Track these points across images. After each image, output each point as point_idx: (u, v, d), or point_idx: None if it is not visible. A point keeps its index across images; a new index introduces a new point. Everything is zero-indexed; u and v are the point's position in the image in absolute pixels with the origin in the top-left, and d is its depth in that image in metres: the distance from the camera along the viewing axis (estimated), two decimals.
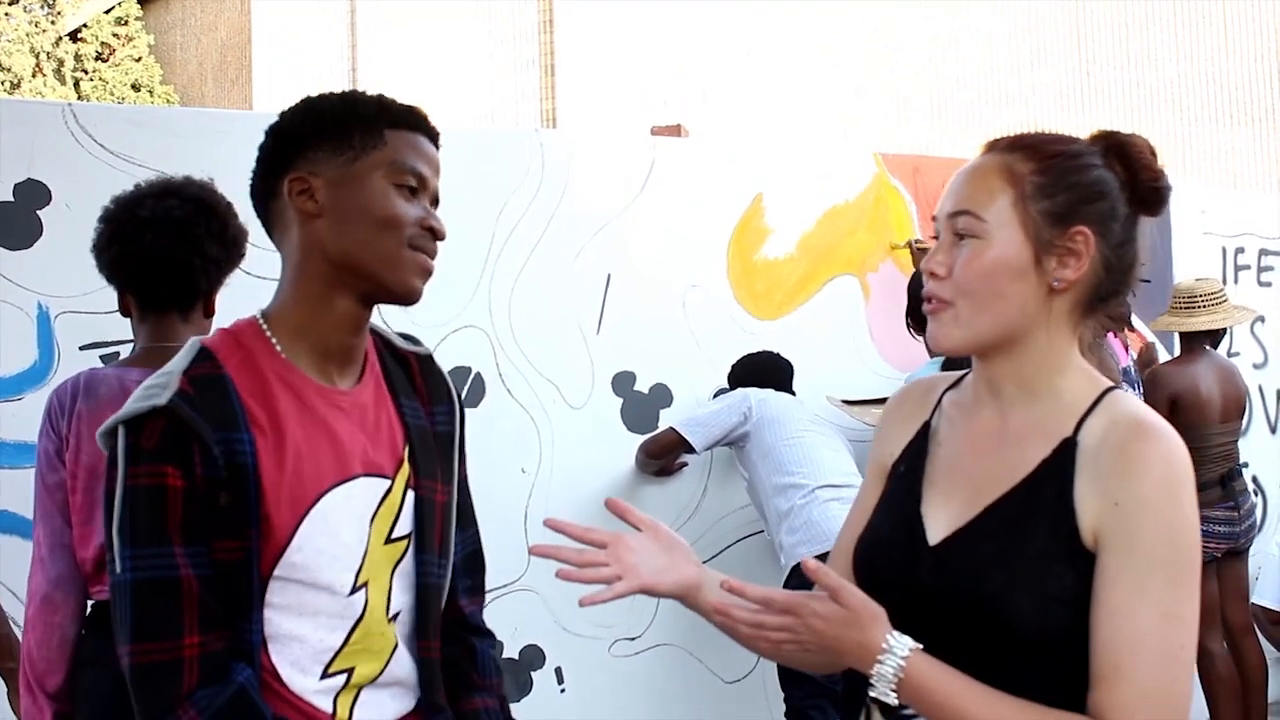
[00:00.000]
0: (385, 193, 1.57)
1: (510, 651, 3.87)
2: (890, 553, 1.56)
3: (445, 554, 1.73)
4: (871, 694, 1.45)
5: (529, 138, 4.09)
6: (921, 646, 1.42)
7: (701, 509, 4.20)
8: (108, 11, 20.65)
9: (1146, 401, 4.51)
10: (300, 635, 1.55)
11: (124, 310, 2.50)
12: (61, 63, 20.14)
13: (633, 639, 4.07)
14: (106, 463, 1.50)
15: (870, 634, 1.40)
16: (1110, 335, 4.14)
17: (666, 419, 4.12)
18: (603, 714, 3.99)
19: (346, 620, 1.58)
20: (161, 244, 2.32)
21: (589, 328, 4.07)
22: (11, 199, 3.29)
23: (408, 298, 1.60)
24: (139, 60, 20.66)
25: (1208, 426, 4.53)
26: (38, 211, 3.31)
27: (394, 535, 1.64)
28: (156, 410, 1.46)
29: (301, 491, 1.53)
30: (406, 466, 1.66)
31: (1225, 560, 4.62)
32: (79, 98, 19.05)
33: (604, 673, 4.02)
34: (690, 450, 3.98)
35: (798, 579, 3.69)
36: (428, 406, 1.75)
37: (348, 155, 1.57)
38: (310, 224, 1.57)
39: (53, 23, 20.24)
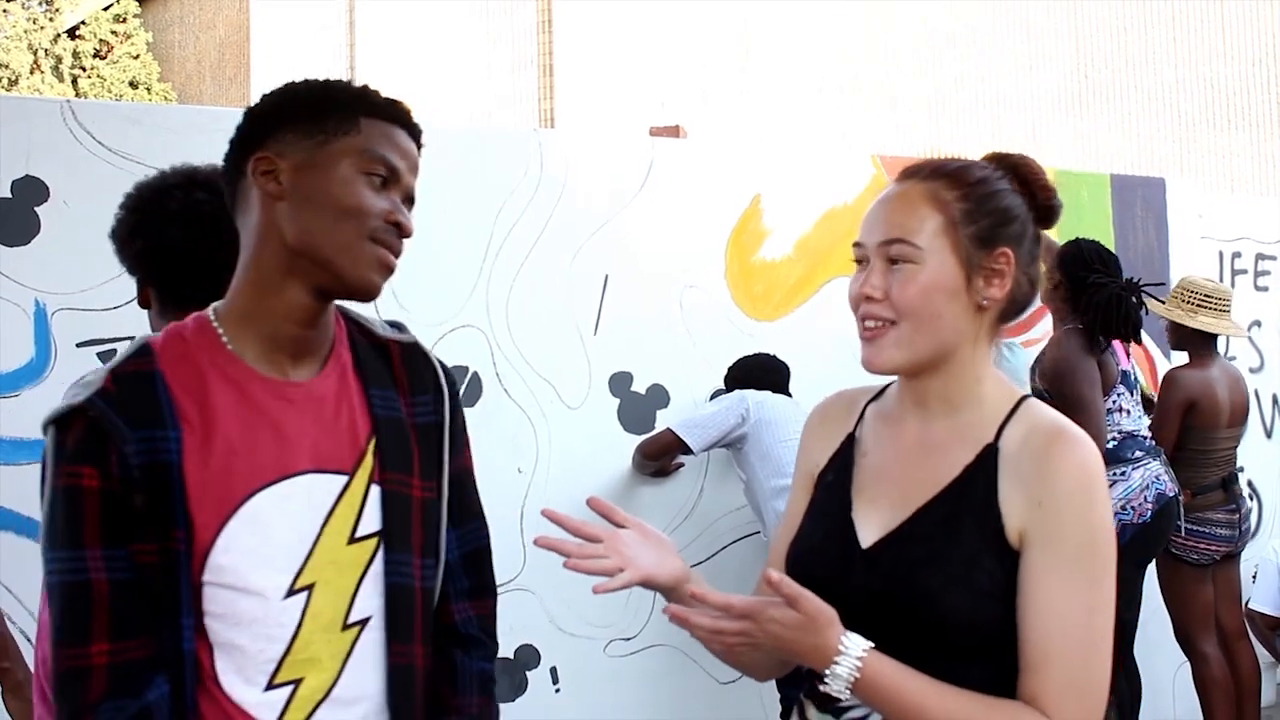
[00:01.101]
0: (351, 180, 1.50)
1: (505, 651, 3.86)
2: (823, 558, 1.62)
3: (430, 553, 1.63)
4: (824, 690, 1.51)
5: (527, 138, 4.09)
6: (873, 645, 1.48)
7: (698, 510, 4.21)
8: (106, 9, 20.65)
9: (1163, 404, 4.52)
10: (239, 644, 1.48)
11: (144, 303, 2.46)
12: (59, 60, 20.14)
13: (628, 639, 4.07)
14: (41, 462, 1.47)
15: (825, 636, 1.47)
16: (1115, 341, 4.15)
17: (663, 420, 4.12)
18: (598, 714, 3.99)
19: (284, 627, 1.49)
20: (190, 238, 2.20)
21: (586, 328, 4.07)
22: (9, 195, 3.29)
23: (364, 293, 1.53)
24: (137, 58, 20.66)
25: (1217, 430, 4.56)
26: (36, 208, 3.31)
27: (358, 534, 1.55)
28: (75, 410, 1.42)
29: (228, 490, 1.46)
30: (370, 460, 1.56)
31: (1220, 564, 4.63)
32: (77, 95, 19.04)
33: (599, 672, 4.02)
34: (687, 451, 3.98)
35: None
36: (407, 397, 1.64)
37: (318, 139, 1.51)
38: (271, 206, 1.51)
39: (51, 19, 20.23)
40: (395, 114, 1.57)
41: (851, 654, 1.46)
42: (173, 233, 2.21)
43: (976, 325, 1.59)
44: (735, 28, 15.13)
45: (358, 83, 1.59)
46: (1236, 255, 5.58)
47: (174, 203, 2.23)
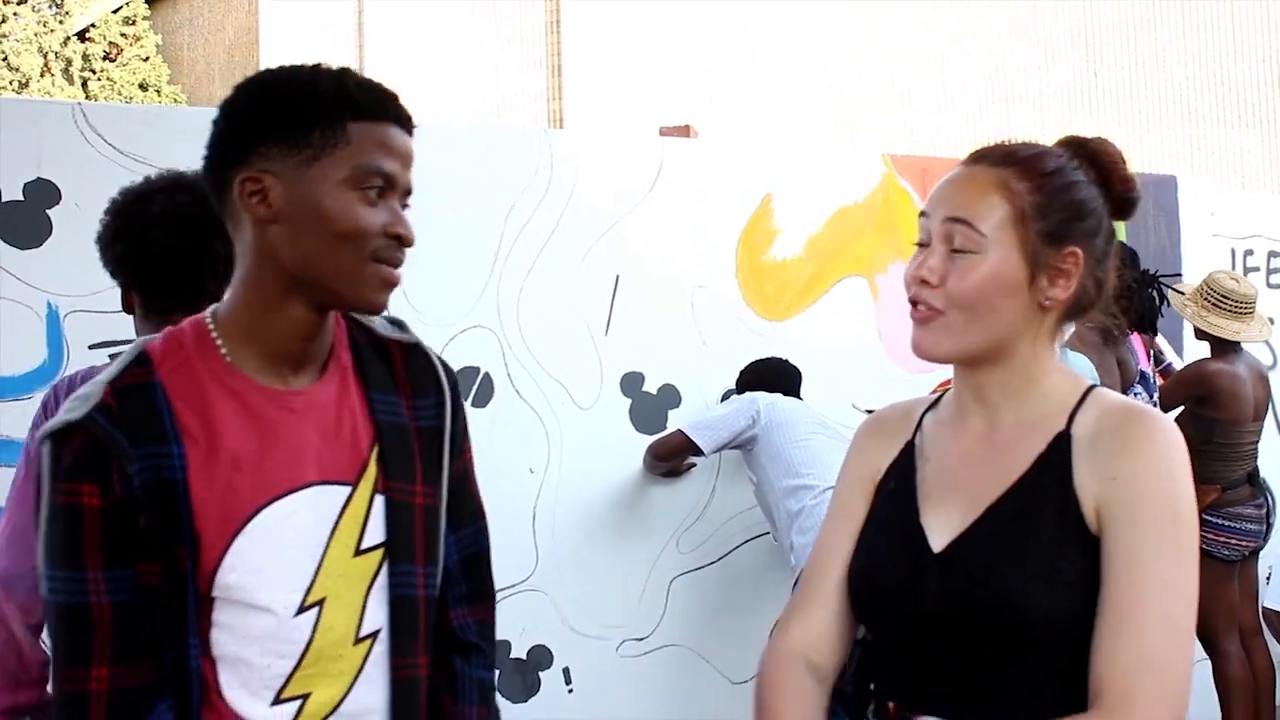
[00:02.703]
0: (346, 200, 1.42)
1: (518, 651, 3.87)
2: (893, 567, 1.55)
3: (430, 561, 1.57)
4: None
5: (538, 138, 4.09)
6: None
7: (709, 510, 4.20)
8: (115, 11, 20.68)
9: (1186, 395, 4.49)
10: (246, 659, 1.44)
11: (127, 308, 2.44)
12: (69, 62, 20.17)
13: (640, 639, 4.07)
14: (37, 477, 1.42)
15: None
16: (1135, 336, 4.12)
17: (675, 420, 4.11)
18: (610, 714, 3.99)
19: (294, 644, 1.45)
20: (170, 242, 2.18)
21: (597, 328, 4.06)
22: (21, 198, 3.30)
23: (370, 312, 1.50)
24: (146, 60, 20.69)
25: (1243, 424, 4.55)
26: (47, 211, 3.31)
27: (364, 546, 1.50)
28: (74, 425, 1.37)
29: (235, 507, 1.41)
30: (373, 469, 1.51)
31: (1244, 560, 4.62)
32: (87, 97, 19.07)
33: (612, 673, 4.02)
34: (698, 453, 3.98)
35: None
36: (409, 400, 1.59)
37: (305, 154, 1.41)
38: (264, 228, 1.43)
39: (60, 22, 20.27)
40: (384, 109, 1.47)
41: None
42: (154, 236, 2.18)
43: (1036, 323, 1.52)
44: (744, 27, 15.12)
45: (333, 68, 1.49)
46: (1249, 253, 5.56)
47: (155, 207, 2.20)
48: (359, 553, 1.50)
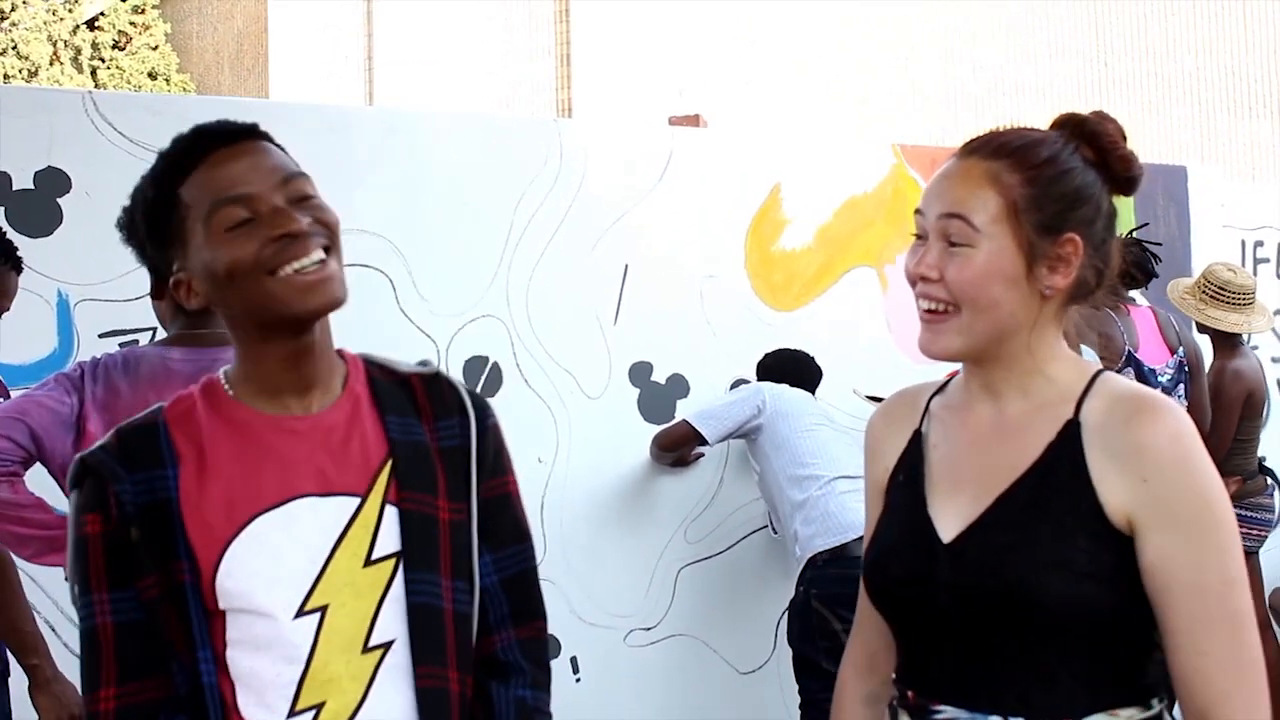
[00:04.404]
0: (218, 248, 1.43)
1: None
2: (903, 557, 1.55)
3: (462, 575, 1.56)
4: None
5: (547, 127, 4.09)
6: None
7: (718, 500, 4.20)
8: (124, 0, 20.70)
9: (1223, 396, 4.46)
10: (258, 670, 1.46)
11: (158, 295, 2.47)
12: (79, 51, 20.20)
13: (648, 629, 4.08)
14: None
15: None
16: (1142, 315, 4.09)
17: (683, 409, 4.12)
18: (618, 703, 4.00)
19: (299, 648, 1.46)
20: None
21: (606, 318, 4.07)
22: (32, 187, 3.30)
23: (313, 318, 1.48)
24: (156, 49, 20.71)
25: (1257, 418, 4.58)
26: (58, 199, 3.32)
27: (375, 556, 1.50)
28: (81, 462, 1.47)
29: (228, 514, 1.45)
30: (383, 481, 1.52)
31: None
32: (96, 86, 19.10)
33: (619, 662, 4.03)
34: (703, 443, 3.98)
35: (812, 570, 3.69)
36: (430, 423, 1.59)
37: (182, 241, 1.47)
38: (210, 306, 1.51)
39: (70, 11, 20.30)
40: (196, 153, 1.48)
41: None
42: None
43: (1039, 312, 1.51)
44: (753, 16, 15.09)
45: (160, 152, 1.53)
46: (1259, 244, 5.55)
47: None
48: (370, 563, 1.50)
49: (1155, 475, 1.41)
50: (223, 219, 1.43)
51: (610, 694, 4.00)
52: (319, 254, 1.44)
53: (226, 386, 1.54)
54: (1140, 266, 4.03)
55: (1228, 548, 1.41)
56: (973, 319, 1.48)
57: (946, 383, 1.67)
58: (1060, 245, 1.48)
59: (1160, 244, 4.37)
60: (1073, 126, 1.54)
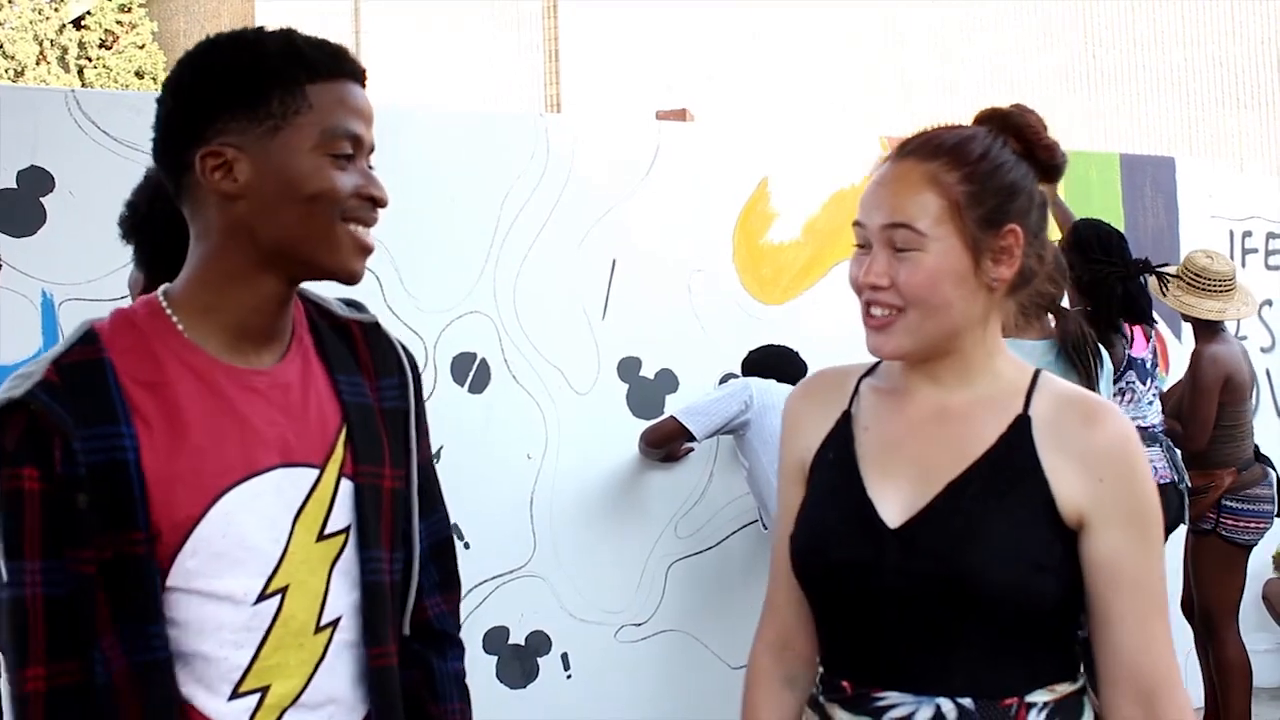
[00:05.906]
0: (319, 165, 1.36)
1: (516, 638, 3.87)
2: (845, 541, 1.54)
3: (399, 545, 1.52)
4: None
5: (534, 122, 4.08)
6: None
7: (707, 495, 4.20)
8: None
9: (1200, 381, 4.43)
10: (203, 653, 1.37)
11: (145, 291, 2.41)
12: (65, 50, 20.12)
13: (639, 625, 4.08)
14: None
15: None
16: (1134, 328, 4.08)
17: (672, 404, 4.11)
18: (609, 699, 4.00)
19: (253, 633, 1.38)
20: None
21: (594, 313, 4.06)
22: (15, 186, 3.29)
23: (347, 280, 1.42)
24: (142, 47, 20.63)
25: (1245, 404, 4.53)
26: (41, 198, 3.30)
27: (327, 530, 1.43)
28: (14, 404, 1.29)
29: (198, 489, 1.34)
30: (340, 451, 1.45)
31: None
32: (82, 85, 19.04)
33: (610, 658, 4.03)
34: (691, 439, 3.97)
35: None
36: (373, 380, 1.52)
37: (268, 125, 1.35)
38: (230, 203, 1.37)
39: (56, 10, 20.21)
40: (339, 68, 1.40)
41: None
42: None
43: (986, 305, 1.54)
44: (741, 10, 15.08)
45: (283, 31, 1.43)
46: (1247, 234, 5.55)
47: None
48: (322, 537, 1.44)
49: (1110, 475, 1.47)
50: (337, 144, 1.38)
51: (601, 690, 4.00)
52: (374, 227, 1.45)
53: (173, 317, 1.41)
54: (1135, 306, 4.02)
55: (1160, 542, 1.51)
56: (921, 319, 1.50)
57: (876, 365, 1.68)
58: (1002, 237, 1.51)
59: (1167, 264, 4.38)
60: (997, 120, 1.58)
